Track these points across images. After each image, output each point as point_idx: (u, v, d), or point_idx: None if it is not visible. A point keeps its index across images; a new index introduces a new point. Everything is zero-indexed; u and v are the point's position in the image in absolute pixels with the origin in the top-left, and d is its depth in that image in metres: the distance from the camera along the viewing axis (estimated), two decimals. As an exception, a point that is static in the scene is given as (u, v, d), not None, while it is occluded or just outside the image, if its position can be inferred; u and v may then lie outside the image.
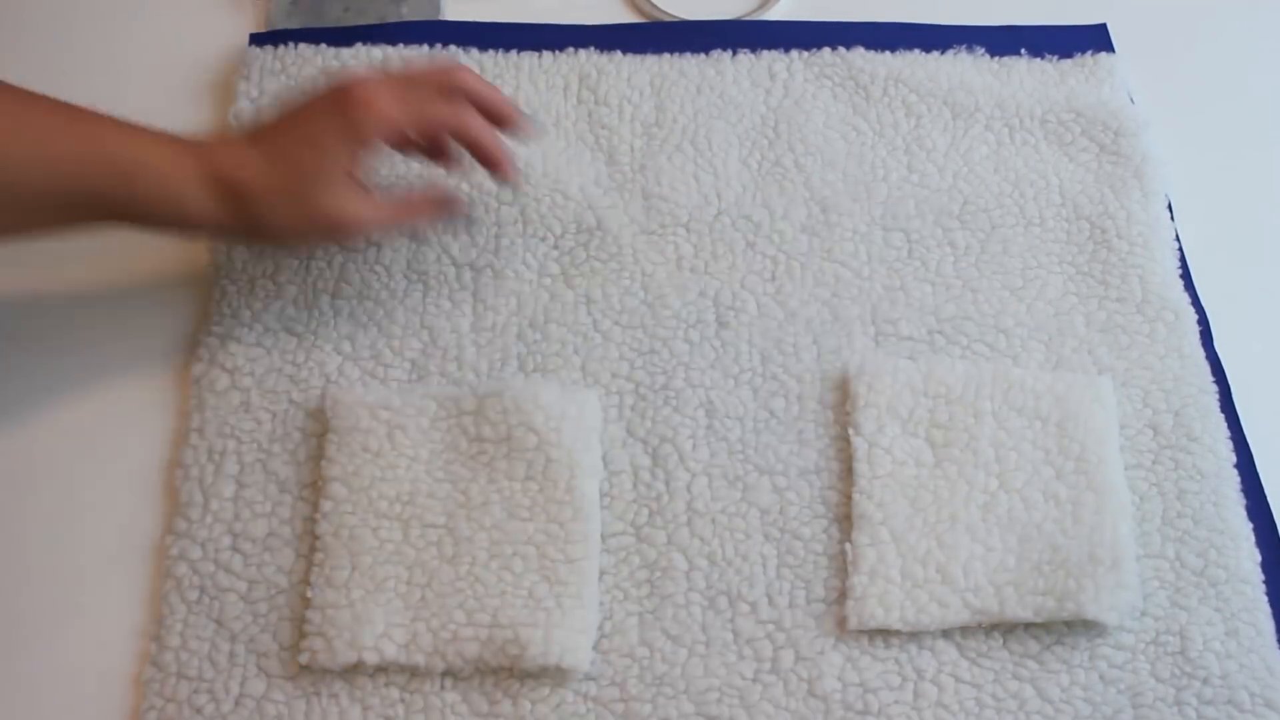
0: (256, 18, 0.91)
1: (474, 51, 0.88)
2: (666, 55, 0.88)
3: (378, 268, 0.79)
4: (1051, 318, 0.78)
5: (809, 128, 0.85)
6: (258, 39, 0.88)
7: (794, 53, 0.88)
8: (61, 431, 0.75)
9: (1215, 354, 0.77)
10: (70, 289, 0.79)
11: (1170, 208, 0.82)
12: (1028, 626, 0.68)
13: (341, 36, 0.88)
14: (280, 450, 0.73)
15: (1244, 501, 0.72)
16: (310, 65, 0.87)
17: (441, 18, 0.91)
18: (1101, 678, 0.66)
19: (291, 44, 0.88)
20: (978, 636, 0.68)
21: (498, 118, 0.74)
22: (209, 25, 0.91)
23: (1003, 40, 0.89)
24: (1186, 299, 0.78)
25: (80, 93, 0.70)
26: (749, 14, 0.92)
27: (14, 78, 0.69)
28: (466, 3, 0.92)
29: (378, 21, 0.90)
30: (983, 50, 0.88)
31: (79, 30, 0.91)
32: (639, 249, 0.80)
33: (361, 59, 0.87)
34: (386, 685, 0.67)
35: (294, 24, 0.90)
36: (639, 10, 0.92)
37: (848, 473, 0.72)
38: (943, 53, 0.88)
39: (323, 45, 0.88)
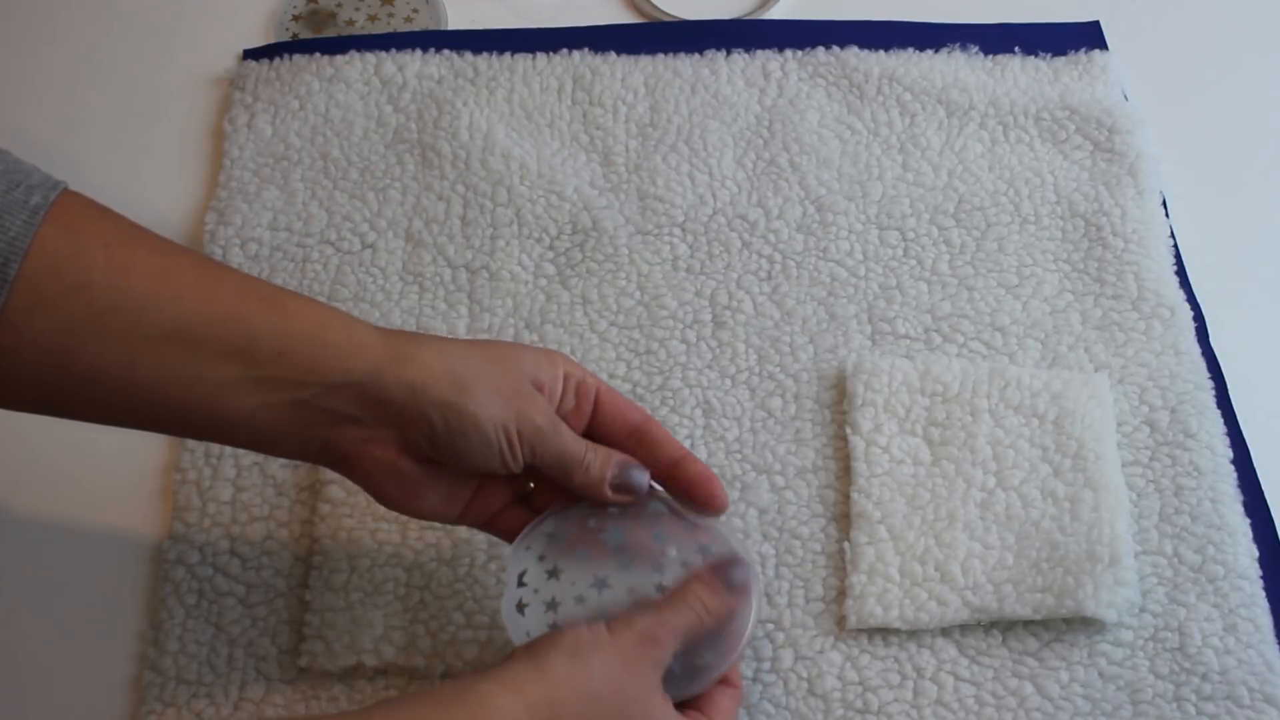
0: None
1: (468, 55, 0.88)
2: (661, 55, 0.88)
3: (374, 269, 0.79)
4: (1047, 315, 0.78)
5: (804, 127, 0.85)
6: (252, 54, 0.88)
7: (788, 52, 0.88)
8: (58, 436, 0.74)
9: (1211, 350, 0.77)
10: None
11: (1165, 204, 0.82)
12: (1027, 624, 0.68)
13: (335, 45, 0.88)
14: (277, 453, 0.73)
15: (1241, 497, 0.72)
16: (305, 72, 0.87)
17: (445, 28, 0.91)
18: (1101, 674, 0.66)
19: (286, 56, 0.88)
20: (977, 634, 0.68)
21: None
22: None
23: (996, 38, 0.89)
24: (1182, 295, 0.78)
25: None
26: (749, 13, 0.92)
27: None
28: (468, 8, 0.92)
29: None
30: (976, 48, 0.88)
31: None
32: (635, 249, 0.80)
33: (356, 66, 0.87)
34: (386, 688, 0.67)
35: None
36: (639, 11, 0.92)
37: (845, 471, 0.72)
38: (936, 51, 0.88)
39: (317, 54, 0.88)
